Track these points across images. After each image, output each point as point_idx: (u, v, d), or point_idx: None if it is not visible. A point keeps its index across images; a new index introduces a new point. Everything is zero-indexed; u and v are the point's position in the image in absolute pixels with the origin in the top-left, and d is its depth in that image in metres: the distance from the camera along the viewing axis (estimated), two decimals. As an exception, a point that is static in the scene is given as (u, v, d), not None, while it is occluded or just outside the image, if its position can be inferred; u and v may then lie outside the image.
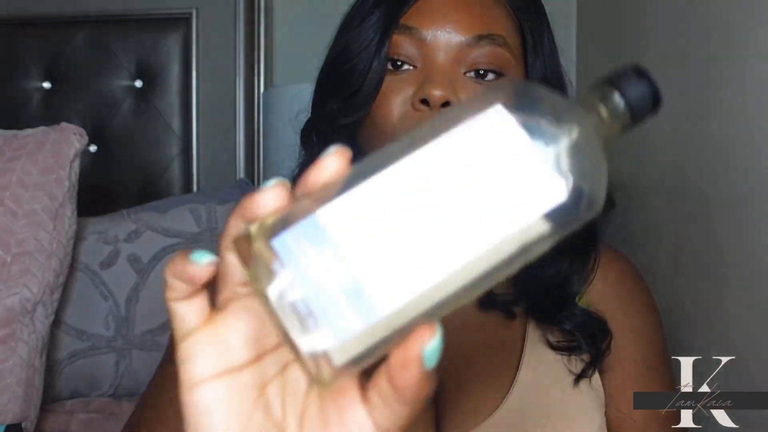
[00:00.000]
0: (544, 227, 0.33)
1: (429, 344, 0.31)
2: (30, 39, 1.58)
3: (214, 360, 0.34)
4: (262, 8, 1.66)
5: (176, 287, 0.34)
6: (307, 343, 0.31)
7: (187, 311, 0.35)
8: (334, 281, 0.31)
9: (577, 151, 0.33)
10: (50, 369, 1.17)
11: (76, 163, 1.16)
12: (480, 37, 0.65)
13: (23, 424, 1.06)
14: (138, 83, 1.59)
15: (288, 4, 1.70)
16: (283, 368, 0.37)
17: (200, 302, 0.35)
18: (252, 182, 1.62)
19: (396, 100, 0.66)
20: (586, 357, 0.72)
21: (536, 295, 0.73)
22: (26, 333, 1.07)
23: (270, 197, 0.33)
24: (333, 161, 0.34)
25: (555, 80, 0.73)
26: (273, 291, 0.31)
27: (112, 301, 1.21)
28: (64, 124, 1.18)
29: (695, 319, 1.02)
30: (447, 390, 0.69)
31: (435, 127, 0.34)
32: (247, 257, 0.32)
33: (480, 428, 0.68)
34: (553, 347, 0.72)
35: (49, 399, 1.16)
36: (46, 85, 1.57)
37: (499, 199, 0.32)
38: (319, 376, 0.32)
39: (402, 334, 0.32)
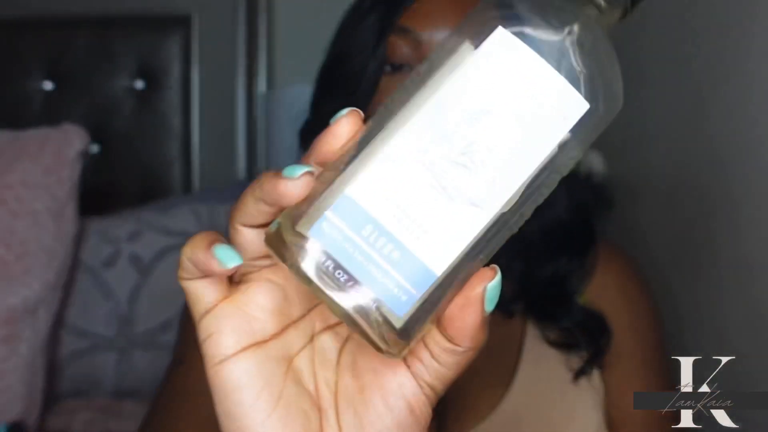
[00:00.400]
0: (572, 138, 0.32)
1: (491, 282, 0.31)
2: (31, 40, 1.58)
3: (238, 334, 0.33)
4: (263, 9, 1.67)
5: (191, 269, 0.33)
6: (374, 325, 0.30)
7: (204, 289, 0.34)
8: (384, 257, 0.30)
9: (584, 51, 0.33)
10: (52, 368, 1.17)
11: (78, 164, 1.17)
12: None
13: (25, 423, 1.07)
14: (139, 84, 1.59)
15: (289, 4, 1.71)
16: (311, 339, 0.36)
17: (217, 278, 0.34)
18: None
19: None
20: (585, 354, 0.72)
21: (535, 294, 0.74)
22: (28, 332, 1.08)
23: (299, 189, 0.31)
24: (345, 126, 0.32)
25: None
26: (324, 282, 0.30)
27: (113, 300, 1.22)
28: (65, 125, 1.19)
29: (695, 319, 1.02)
30: (447, 389, 0.69)
31: (441, 64, 0.32)
32: (283, 252, 0.31)
33: (480, 426, 0.68)
34: (553, 344, 0.72)
35: (50, 398, 1.16)
36: (48, 85, 1.57)
37: (526, 126, 0.31)
38: (391, 351, 0.31)
39: (459, 284, 0.32)
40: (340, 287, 0.30)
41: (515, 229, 0.33)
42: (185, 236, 1.26)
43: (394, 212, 0.30)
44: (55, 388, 1.19)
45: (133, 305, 1.22)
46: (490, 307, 0.31)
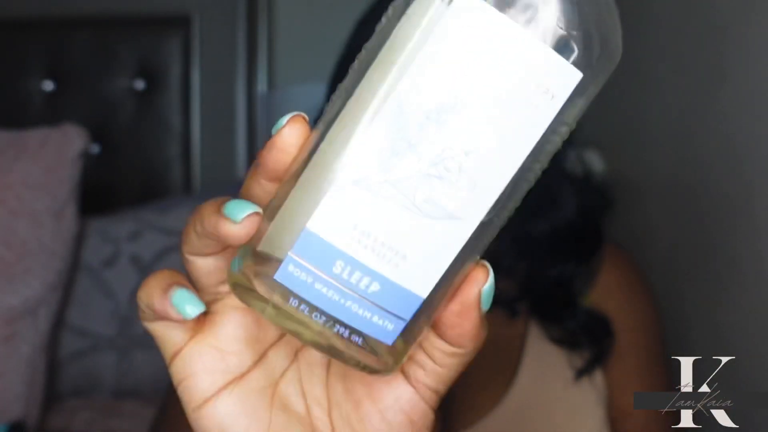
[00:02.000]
0: (563, 114, 0.27)
1: (485, 285, 0.29)
2: (32, 40, 1.58)
3: (213, 374, 0.31)
4: (263, 9, 1.67)
5: (149, 314, 0.31)
6: (362, 356, 0.28)
7: (169, 330, 0.31)
8: (362, 291, 0.27)
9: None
10: (52, 368, 1.17)
11: (78, 164, 1.17)
12: None
13: (25, 423, 1.07)
14: (139, 84, 1.59)
15: (289, 4, 1.71)
16: (294, 358, 0.34)
17: None
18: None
19: None
20: (587, 354, 0.73)
21: (540, 294, 0.74)
22: (29, 332, 1.08)
23: (244, 232, 0.27)
24: (289, 138, 0.28)
25: None
26: (303, 325, 0.27)
27: (113, 300, 1.22)
28: (65, 125, 1.19)
29: (695, 319, 1.02)
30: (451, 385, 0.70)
31: (397, 39, 0.27)
32: (252, 300, 0.28)
33: (483, 422, 0.69)
34: (556, 343, 0.73)
35: (50, 398, 1.16)
36: (48, 85, 1.57)
37: (506, 115, 0.26)
38: (383, 371, 0.29)
39: (454, 287, 0.29)
40: (321, 328, 0.27)
41: (506, 220, 0.29)
42: (185, 236, 1.27)
43: (365, 242, 0.26)
44: (55, 388, 1.19)
45: (133, 305, 1.22)
46: (486, 306, 0.30)
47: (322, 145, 0.27)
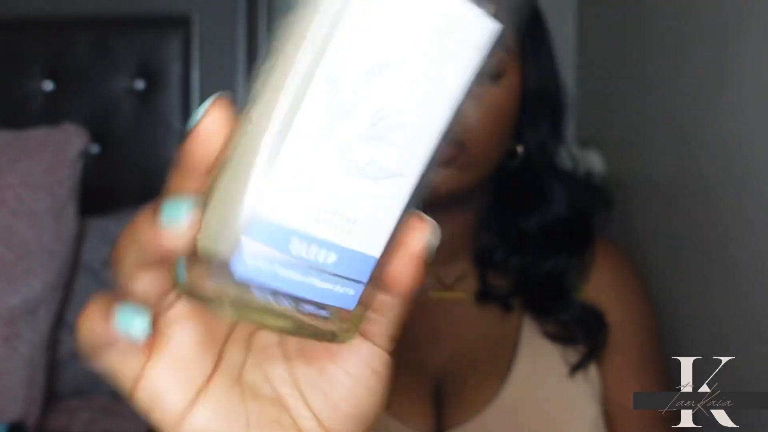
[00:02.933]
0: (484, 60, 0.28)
1: (429, 237, 0.30)
2: (32, 40, 1.58)
3: (181, 388, 0.30)
4: (263, 9, 1.67)
5: (95, 351, 0.30)
6: (328, 327, 0.28)
7: (121, 363, 0.30)
8: (320, 264, 0.26)
9: None
10: (52, 368, 1.17)
11: (79, 163, 1.17)
12: None
13: (25, 423, 1.07)
14: (139, 84, 1.59)
15: (289, 5, 1.71)
16: (248, 345, 0.33)
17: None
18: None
19: None
20: (582, 348, 0.73)
21: (533, 289, 0.75)
22: (29, 332, 1.08)
23: (187, 235, 0.26)
24: (213, 125, 0.27)
25: (552, 84, 0.74)
26: (269, 313, 0.27)
27: (113, 300, 1.22)
28: (65, 125, 1.19)
29: (695, 319, 1.02)
30: (446, 381, 0.70)
31: (317, 10, 0.27)
32: (210, 300, 0.26)
33: (478, 418, 0.69)
34: (550, 338, 0.73)
35: (50, 398, 1.16)
36: (48, 85, 1.57)
37: (432, 69, 0.27)
38: (346, 338, 0.29)
39: (390, 246, 0.29)
40: (286, 311, 0.27)
41: (437, 164, 0.29)
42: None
43: (316, 215, 0.26)
44: (55, 388, 1.19)
45: (133, 305, 1.22)
46: (429, 255, 0.30)
47: (254, 127, 0.26)
